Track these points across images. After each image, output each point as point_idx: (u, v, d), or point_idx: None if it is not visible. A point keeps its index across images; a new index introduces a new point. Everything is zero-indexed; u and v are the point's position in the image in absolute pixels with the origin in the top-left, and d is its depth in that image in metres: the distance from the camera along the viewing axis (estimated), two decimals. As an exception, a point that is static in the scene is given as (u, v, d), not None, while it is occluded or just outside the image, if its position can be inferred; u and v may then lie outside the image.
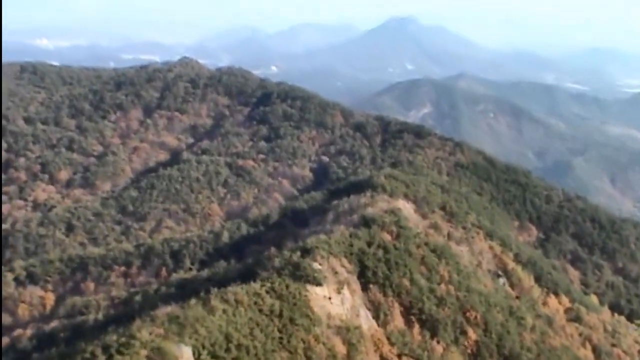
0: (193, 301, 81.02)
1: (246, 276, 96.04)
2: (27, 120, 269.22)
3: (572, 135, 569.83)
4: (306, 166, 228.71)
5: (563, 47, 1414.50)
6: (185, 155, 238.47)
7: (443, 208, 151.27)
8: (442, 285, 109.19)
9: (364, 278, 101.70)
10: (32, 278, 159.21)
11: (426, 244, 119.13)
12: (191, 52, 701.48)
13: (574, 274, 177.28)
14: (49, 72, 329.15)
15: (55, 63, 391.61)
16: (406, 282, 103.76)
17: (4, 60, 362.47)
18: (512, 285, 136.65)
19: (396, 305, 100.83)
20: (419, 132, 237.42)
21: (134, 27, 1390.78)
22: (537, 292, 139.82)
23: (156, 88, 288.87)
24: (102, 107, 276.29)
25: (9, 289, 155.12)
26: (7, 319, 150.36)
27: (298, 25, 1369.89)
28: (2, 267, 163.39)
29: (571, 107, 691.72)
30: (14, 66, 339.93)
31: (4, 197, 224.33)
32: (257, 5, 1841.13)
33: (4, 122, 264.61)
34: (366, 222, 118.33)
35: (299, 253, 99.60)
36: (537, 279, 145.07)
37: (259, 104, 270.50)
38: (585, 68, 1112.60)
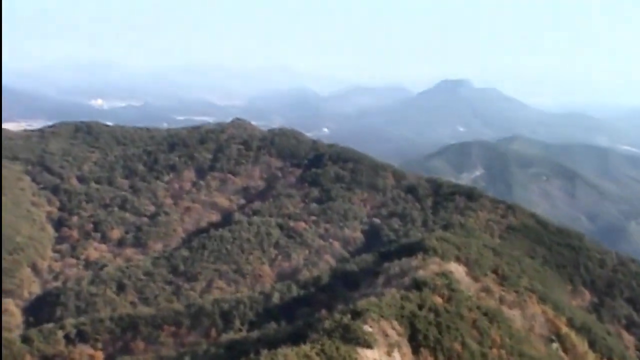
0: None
1: (296, 338, 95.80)
2: (81, 179, 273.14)
3: (626, 198, 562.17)
4: (357, 228, 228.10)
5: (615, 108, 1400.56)
6: (237, 216, 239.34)
7: (495, 271, 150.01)
8: (494, 350, 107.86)
9: (415, 341, 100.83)
10: (82, 336, 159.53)
11: (478, 307, 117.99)
12: (244, 113, 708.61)
13: (629, 339, 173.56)
14: (103, 132, 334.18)
15: (109, 123, 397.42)
16: (457, 346, 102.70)
17: (59, 119, 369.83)
18: (565, 350, 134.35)
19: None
20: (470, 195, 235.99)
21: (187, 89, 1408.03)
22: (591, 357, 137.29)
23: (209, 149, 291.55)
24: (155, 168, 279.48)
25: (60, 346, 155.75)
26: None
27: (350, 87, 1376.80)
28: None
29: (624, 170, 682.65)
30: (69, 126, 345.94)
31: (56, 255, 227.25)
32: (310, 68, 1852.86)
33: (57, 180, 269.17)
34: (417, 285, 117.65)
35: (349, 315, 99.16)
36: (591, 344, 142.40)
37: (310, 166, 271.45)
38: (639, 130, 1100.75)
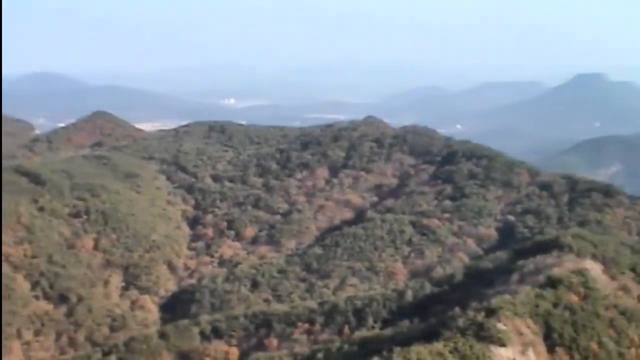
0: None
1: (429, 336, 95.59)
2: (215, 178, 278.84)
3: None
4: (491, 225, 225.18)
5: None
6: (370, 213, 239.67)
7: (633, 269, 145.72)
8: (632, 349, 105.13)
9: (550, 340, 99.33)
10: (217, 333, 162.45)
11: (615, 306, 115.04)
12: (376, 110, 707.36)
13: None
14: (236, 131, 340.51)
15: (242, 122, 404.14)
16: (594, 345, 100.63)
17: (194, 119, 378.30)
18: None
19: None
20: (607, 191, 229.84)
21: (318, 87, 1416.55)
22: None
23: (342, 147, 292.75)
24: (288, 166, 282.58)
25: (195, 342, 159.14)
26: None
27: (484, 83, 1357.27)
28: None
29: None
30: (203, 125, 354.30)
31: (191, 253, 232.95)
32: (442, 66, 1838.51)
33: (192, 179, 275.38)
34: (552, 283, 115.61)
35: (483, 313, 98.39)
36: None
37: (444, 163, 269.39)
38: None
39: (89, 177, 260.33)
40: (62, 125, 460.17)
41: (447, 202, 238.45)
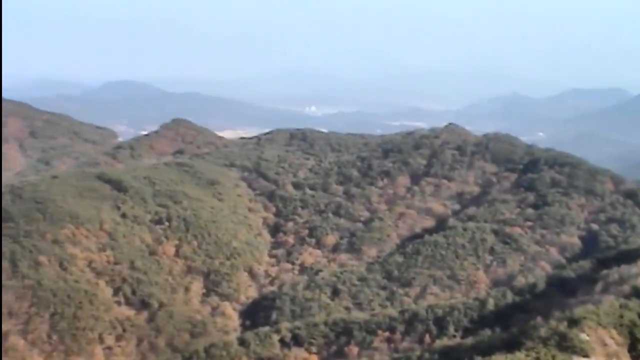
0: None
1: (511, 345, 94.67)
2: (296, 186, 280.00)
3: None
4: (574, 234, 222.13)
5: None
6: (452, 221, 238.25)
7: None
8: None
9: (635, 351, 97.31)
10: (297, 340, 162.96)
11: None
12: (457, 118, 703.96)
13: None
14: (317, 138, 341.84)
15: (323, 130, 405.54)
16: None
17: (275, 126, 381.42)
18: None
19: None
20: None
21: (400, 94, 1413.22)
22: None
23: (423, 155, 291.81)
24: (369, 174, 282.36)
25: (275, 349, 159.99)
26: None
27: (566, 90, 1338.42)
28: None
29: None
30: (284, 133, 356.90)
31: (273, 260, 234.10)
32: (525, 73, 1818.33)
33: (273, 186, 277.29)
34: (638, 293, 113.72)
35: (566, 323, 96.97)
36: None
37: (526, 170, 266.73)
38: None
39: (170, 184, 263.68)
40: (144, 132, 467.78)
41: (530, 210, 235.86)
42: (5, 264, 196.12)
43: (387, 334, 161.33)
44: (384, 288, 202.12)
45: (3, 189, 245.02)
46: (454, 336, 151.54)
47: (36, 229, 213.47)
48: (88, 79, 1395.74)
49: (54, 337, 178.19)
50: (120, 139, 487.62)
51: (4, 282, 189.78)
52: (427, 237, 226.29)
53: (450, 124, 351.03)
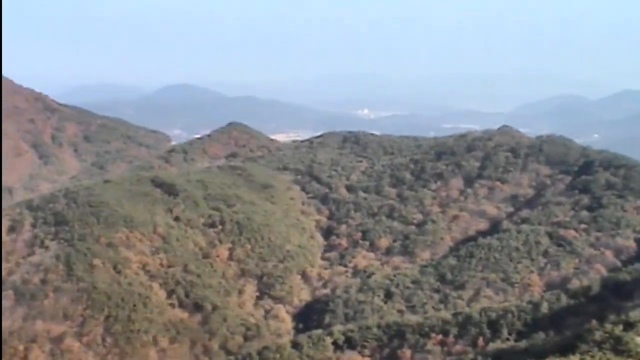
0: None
1: (565, 349, 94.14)
2: (349, 189, 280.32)
3: None
4: (630, 237, 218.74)
5: None
6: (505, 224, 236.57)
7: None
8: None
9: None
10: (350, 343, 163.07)
11: None
12: (510, 120, 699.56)
13: None
14: (370, 141, 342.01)
15: (376, 132, 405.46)
16: None
17: (328, 129, 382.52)
18: None
19: None
20: None
21: (453, 97, 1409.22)
22: None
23: (476, 157, 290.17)
24: (422, 176, 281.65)
25: (328, 352, 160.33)
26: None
27: (620, 91, 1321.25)
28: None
29: None
30: (337, 136, 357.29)
31: (326, 263, 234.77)
32: (579, 74, 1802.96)
33: (326, 190, 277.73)
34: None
35: (621, 326, 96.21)
36: None
37: (580, 173, 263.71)
38: None
39: (223, 187, 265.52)
40: (197, 136, 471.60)
41: (584, 213, 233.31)
42: (60, 266, 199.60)
43: (440, 337, 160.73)
44: (437, 291, 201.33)
45: (58, 193, 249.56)
46: (508, 339, 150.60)
47: (90, 232, 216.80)
48: (145, 83, 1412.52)
49: (109, 340, 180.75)
50: (173, 143, 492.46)
51: (59, 284, 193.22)
52: (480, 239, 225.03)
53: (503, 126, 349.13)
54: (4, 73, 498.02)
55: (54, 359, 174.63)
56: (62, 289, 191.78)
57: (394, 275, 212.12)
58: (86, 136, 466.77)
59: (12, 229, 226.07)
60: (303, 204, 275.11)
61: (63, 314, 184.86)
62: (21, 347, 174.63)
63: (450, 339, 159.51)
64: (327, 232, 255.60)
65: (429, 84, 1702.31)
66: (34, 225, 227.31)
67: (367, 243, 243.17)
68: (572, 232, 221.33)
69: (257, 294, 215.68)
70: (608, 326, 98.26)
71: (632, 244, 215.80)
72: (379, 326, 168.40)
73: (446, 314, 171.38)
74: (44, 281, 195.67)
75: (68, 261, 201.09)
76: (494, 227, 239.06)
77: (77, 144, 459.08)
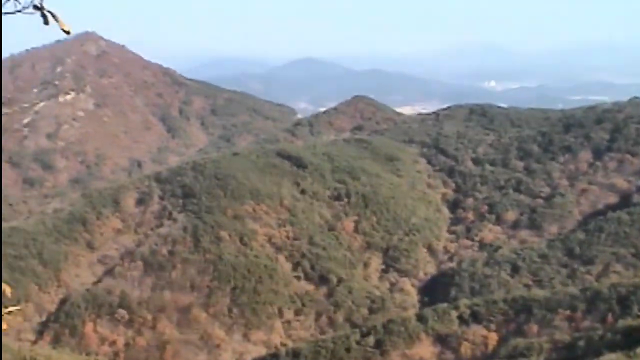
0: None
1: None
2: (476, 162, 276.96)
3: None
4: None
5: None
6: (636, 198, 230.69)
7: None
8: None
9: None
10: (475, 317, 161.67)
11: None
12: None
13: None
14: (497, 114, 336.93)
15: (503, 105, 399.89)
16: None
17: (454, 102, 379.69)
18: None
19: None
20: None
21: (584, 68, 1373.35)
22: None
23: (605, 129, 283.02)
24: (550, 149, 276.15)
25: (453, 326, 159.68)
26: (449, 356, 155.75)
27: None
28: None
29: None
30: (463, 108, 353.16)
31: (452, 236, 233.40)
32: None
33: (453, 162, 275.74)
34: None
35: None
36: None
37: None
38: None
39: (349, 160, 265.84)
40: (323, 109, 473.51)
41: None
42: (187, 238, 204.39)
43: (567, 312, 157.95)
44: (565, 266, 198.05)
45: (186, 166, 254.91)
46: (638, 316, 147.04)
47: (217, 204, 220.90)
48: (273, 57, 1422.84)
49: (235, 311, 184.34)
50: (300, 116, 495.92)
51: (187, 256, 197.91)
52: (610, 213, 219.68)
53: (634, 97, 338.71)
54: (134, 49, 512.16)
55: (182, 329, 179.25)
56: (190, 260, 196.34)
57: (521, 249, 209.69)
58: (213, 110, 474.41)
59: (140, 201, 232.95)
60: (429, 176, 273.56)
61: (190, 284, 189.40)
62: (149, 317, 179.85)
63: (578, 314, 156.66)
64: (453, 205, 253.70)
65: (557, 56, 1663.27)
66: (162, 198, 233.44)
67: (494, 216, 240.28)
68: None
69: (383, 266, 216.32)
70: None
71: None
72: (505, 300, 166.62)
73: (574, 289, 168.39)
74: (171, 252, 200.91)
75: (195, 233, 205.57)
76: (624, 201, 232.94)
77: (204, 117, 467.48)
